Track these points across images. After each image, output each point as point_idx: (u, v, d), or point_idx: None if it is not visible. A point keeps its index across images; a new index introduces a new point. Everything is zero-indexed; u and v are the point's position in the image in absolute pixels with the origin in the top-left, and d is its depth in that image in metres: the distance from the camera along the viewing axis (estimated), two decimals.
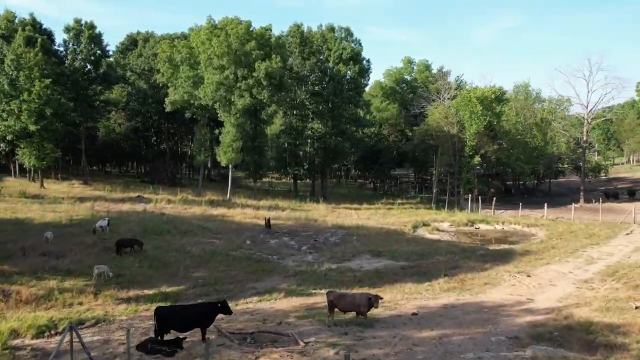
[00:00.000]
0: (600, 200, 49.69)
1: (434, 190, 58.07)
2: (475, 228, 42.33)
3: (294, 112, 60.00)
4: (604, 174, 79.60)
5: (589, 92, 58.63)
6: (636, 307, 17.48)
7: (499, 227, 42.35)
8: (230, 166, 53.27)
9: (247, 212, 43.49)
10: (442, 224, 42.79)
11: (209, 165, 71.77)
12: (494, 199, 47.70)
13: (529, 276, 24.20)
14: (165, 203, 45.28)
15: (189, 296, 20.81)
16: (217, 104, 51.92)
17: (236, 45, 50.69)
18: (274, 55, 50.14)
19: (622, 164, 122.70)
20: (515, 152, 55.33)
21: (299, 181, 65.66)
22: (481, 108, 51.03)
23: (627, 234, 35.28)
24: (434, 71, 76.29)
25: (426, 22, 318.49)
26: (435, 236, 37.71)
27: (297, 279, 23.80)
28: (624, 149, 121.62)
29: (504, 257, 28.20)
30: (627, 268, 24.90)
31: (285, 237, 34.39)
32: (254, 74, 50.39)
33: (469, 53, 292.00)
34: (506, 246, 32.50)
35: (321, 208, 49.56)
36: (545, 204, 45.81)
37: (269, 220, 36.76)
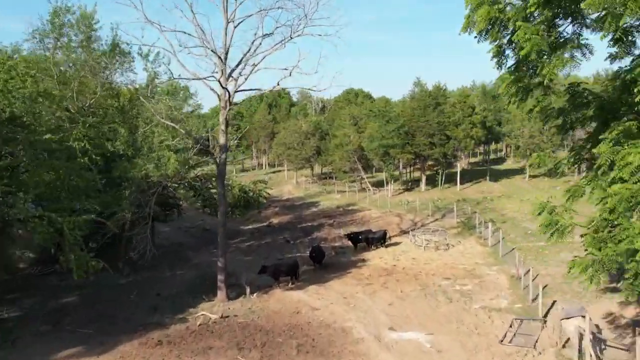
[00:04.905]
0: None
1: None
2: None
3: None
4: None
5: (227, 45, 26.32)
6: None
7: None
8: None
9: None
10: None
11: None
12: None
13: None
14: None
15: None
16: None
17: None
18: None
19: (254, 168, 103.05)
20: (31, 177, 19.88)
21: None
22: None
23: None
24: None
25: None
26: None
27: None
28: (253, 150, 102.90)
29: None
30: None
31: None
32: None
33: None
34: None
35: None
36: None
37: None
